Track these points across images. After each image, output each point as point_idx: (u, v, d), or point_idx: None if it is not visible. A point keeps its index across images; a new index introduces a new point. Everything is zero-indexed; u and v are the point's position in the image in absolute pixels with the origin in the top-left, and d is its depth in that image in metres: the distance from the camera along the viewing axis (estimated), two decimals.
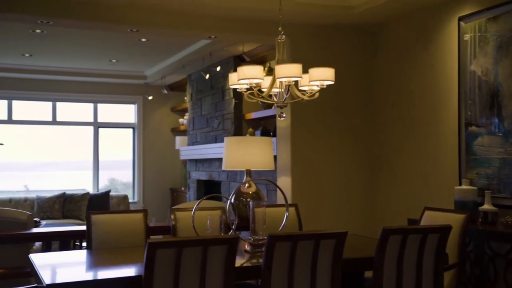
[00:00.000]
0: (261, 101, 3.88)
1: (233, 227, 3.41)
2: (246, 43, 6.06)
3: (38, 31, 6.14)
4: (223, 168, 5.08)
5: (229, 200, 3.39)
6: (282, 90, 3.46)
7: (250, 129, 6.90)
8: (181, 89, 9.28)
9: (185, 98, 8.88)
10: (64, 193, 8.37)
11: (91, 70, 8.68)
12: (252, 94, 3.49)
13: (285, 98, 3.41)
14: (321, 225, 5.22)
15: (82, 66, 8.47)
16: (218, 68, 6.98)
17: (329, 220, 5.40)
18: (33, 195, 8.50)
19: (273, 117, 6.34)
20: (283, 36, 3.46)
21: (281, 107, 3.48)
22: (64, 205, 8.29)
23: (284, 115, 3.50)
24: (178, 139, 9.27)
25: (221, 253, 2.50)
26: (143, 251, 2.41)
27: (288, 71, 3.20)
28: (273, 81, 3.41)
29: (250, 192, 5.09)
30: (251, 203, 3.41)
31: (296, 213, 4.25)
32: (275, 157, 5.69)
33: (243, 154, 4.91)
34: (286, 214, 3.52)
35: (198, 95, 8.18)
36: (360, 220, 5.52)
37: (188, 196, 8.61)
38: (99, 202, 8.54)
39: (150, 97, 9.21)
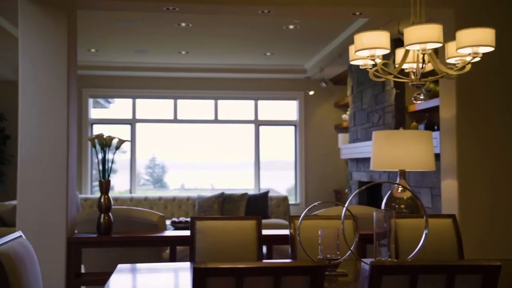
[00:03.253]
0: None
1: (352, 247, 2.63)
2: (402, 20, 5.12)
3: (183, 24, 5.97)
4: (371, 168, 4.27)
5: (344, 208, 2.62)
6: (421, 63, 2.58)
7: (414, 123, 5.90)
8: (344, 82, 8.54)
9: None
10: (223, 193, 8.22)
11: (248, 65, 8.42)
12: (381, 71, 2.67)
13: (421, 74, 2.52)
14: (494, 247, 4.10)
15: (238, 62, 8.23)
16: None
17: (509, 240, 4.22)
18: (194, 194, 8.51)
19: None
20: None
21: (417, 87, 2.60)
22: (223, 205, 8.13)
23: (421, 97, 2.61)
24: (341, 136, 8.54)
25: (301, 287, 1.78)
26: None
27: (421, 34, 2.33)
28: (406, 52, 2.55)
29: (405, 198, 4.21)
30: (374, 213, 2.60)
31: (454, 228, 3.28)
32: (438, 155, 4.68)
33: (394, 151, 4.05)
34: (425, 232, 2.63)
35: (359, 88, 7.37)
36: None
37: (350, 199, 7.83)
38: (257, 203, 8.22)
39: (311, 92, 8.64)
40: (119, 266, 2.81)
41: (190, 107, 9.10)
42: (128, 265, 2.84)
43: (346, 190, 8.41)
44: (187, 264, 3.05)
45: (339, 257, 2.59)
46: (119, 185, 9.05)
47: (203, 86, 8.88)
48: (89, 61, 8.03)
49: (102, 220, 4.16)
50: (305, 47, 7.22)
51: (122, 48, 7.25)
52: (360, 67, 2.77)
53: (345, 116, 8.59)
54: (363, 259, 2.99)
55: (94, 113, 9.02)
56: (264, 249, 4.58)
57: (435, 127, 5.30)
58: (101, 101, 10.32)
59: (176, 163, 9.55)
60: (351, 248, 2.57)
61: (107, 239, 4.11)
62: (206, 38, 6.69)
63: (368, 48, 2.46)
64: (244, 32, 6.42)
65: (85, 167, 8.57)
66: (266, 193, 8.36)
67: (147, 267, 2.90)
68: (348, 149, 7.61)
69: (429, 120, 5.57)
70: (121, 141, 4.34)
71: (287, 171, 9.39)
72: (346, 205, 2.59)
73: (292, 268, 1.76)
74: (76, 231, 4.66)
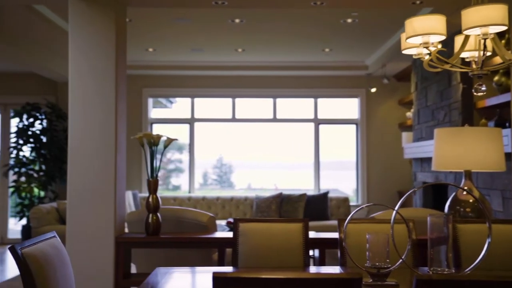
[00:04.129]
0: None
1: (403, 255, 2.38)
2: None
3: (237, 20, 5.84)
4: (432, 168, 3.96)
5: (394, 211, 2.37)
6: (482, 51, 2.29)
7: (483, 120, 5.48)
8: (408, 78, 8.14)
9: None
10: (281, 193, 8.04)
11: (307, 62, 8.19)
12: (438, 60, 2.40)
13: (482, 63, 2.23)
14: None
15: (296, 59, 8.03)
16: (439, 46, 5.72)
17: None
18: (252, 195, 8.38)
19: None
20: None
21: (479, 77, 2.31)
22: (281, 205, 7.95)
23: (483, 88, 2.32)
24: (405, 135, 8.14)
25: None
26: None
27: (482, 16, 2.05)
28: (466, 38, 2.27)
29: (470, 200, 3.87)
30: (428, 218, 2.34)
31: None
32: (509, 154, 4.29)
33: (458, 150, 3.73)
34: (487, 240, 2.33)
35: (423, 83, 6.97)
36: None
37: (415, 201, 7.44)
38: (316, 204, 7.99)
39: (373, 89, 8.31)
40: (157, 269, 2.70)
41: (249, 106, 8.98)
42: (166, 269, 2.72)
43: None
44: (228, 270, 2.89)
45: (389, 266, 2.35)
46: (186, 185, 9.08)
47: (261, 84, 8.74)
48: (147, 60, 8.08)
49: (150, 220, 4.09)
50: (365, 42, 6.92)
51: (179, 47, 7.22)
52: (414, 56, 2.51)
53: (409, 114, 8.19)
54: (421, 268, 2.73)
55: (155, 112, 9.11)
56: (317, 253, 4.36)
57: (507, 124, 4.89)
58: (163, 101, 10.41)
59: (243, 163, 9.51)
60: (403, 257, 2.32)
61: (154, 240, 4.04)
62: (262, 34, 6.54)
63: (420, 34, 2.21)
64: (301, 27, 6.22)
65: (145, 164, 8.62)
66: (326, 193, 8.11)
67: (185, 271, 2.77)
68: (412, 148, 7.23)
69: (500, 116, 5.15)
70: (169, 140, 4.26)
71: (350, 171, 9.08)
72: (396, 208, 2.34)
73: (322, 280, 1.55)
74: (127, 231, 4.64)
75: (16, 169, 7.87)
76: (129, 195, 8.04)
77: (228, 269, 2.91)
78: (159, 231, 4.12)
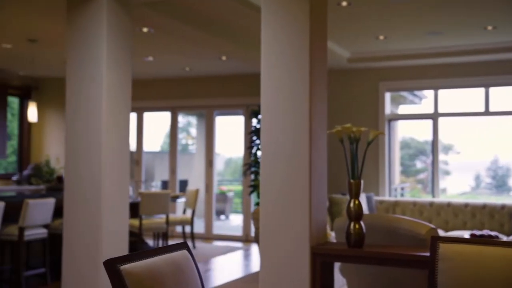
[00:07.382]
0: None
1: None
2: None
3: None
4: None
5: None
6: None
7: None
8: None
9: None
10: None
11: None
12: None
13: None
14: None
15: None
16: None
17: None
18: (509, 202, 6.94)
19: None
20: None
21: None
22: None
23: None
24: None
25: None
26: None
27: None
28: None
29: None
30: None
31: None
32: None
33: None
34: None
35: None
36: None
37: None
38: None
39: None
40: None
41: (505, 96, 7.51)
42: None
43: None
44: None
45: None
46: (453, 188, 8.20)
47: None
48: (380, 51, 7.35)
49: (351, 229, 3.45)
50: None
51: (412, 31, 6.34)
52: None
53: None
54: None
55: (401, 109, 8.47)
56: None
57: None
58: (409, 96, 9.59)
59: None
60: None
61: (353, 253, 3.39)
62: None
63: None
64: None
65: (382, 165, 7.89)
66: None
67: None
68: None
69: None
70: (374, 134, 3.55)
71: None
72: None
73: None
74: (335, 240, 4.10)
75: (253, 168, 8.00)
76: (363, 198, 7.46)
77: None
78: (363, 243, 3.45)
